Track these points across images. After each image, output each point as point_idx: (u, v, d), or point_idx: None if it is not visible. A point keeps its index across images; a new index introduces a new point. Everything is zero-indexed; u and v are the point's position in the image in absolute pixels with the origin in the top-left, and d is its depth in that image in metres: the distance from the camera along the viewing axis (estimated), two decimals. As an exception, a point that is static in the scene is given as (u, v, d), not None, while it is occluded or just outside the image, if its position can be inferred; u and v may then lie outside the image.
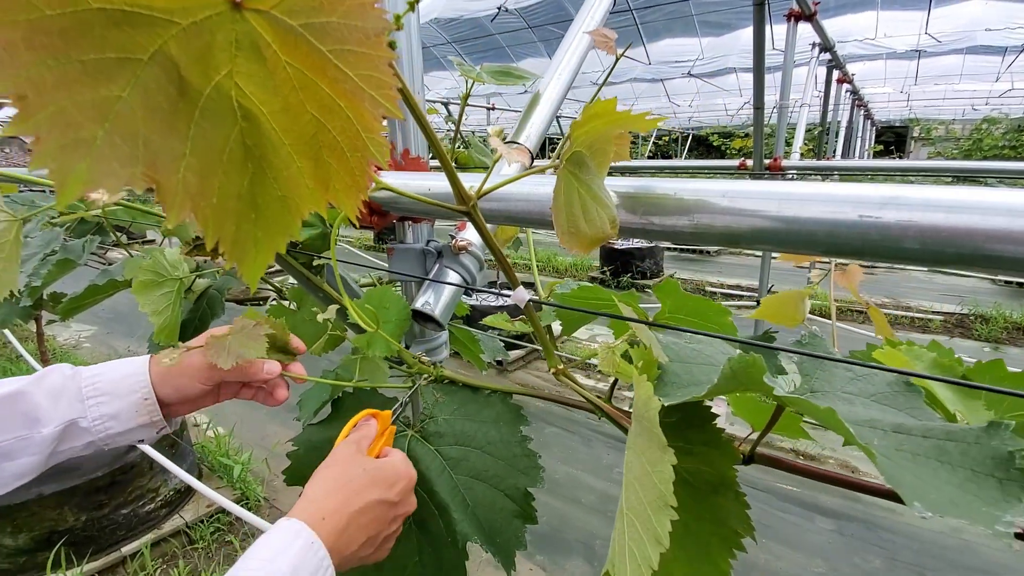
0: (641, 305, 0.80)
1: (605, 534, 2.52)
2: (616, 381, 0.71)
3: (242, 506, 2.64)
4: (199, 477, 2.88)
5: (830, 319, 0.90)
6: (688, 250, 8.55)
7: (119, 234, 1.62)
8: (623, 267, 7.01)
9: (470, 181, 0.46)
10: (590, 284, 0.78)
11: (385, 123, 0.26)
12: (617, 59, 0.92)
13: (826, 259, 0.94)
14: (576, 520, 2.61)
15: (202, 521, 2.64)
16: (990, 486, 0.31)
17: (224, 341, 0.58)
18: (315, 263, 0.78)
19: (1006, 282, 6.46)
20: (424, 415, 0.73)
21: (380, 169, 0.36)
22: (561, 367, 0.53)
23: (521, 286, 0.45)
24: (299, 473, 0.72)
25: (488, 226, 0.90)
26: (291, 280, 1.26)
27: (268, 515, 2.73)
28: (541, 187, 0.50)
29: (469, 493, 0.65)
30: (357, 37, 0.23)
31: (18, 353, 4.05)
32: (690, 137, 17.42)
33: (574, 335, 5.24)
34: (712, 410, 0.45)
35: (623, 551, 0.34)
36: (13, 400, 0.55)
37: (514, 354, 4.42)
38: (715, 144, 17.35)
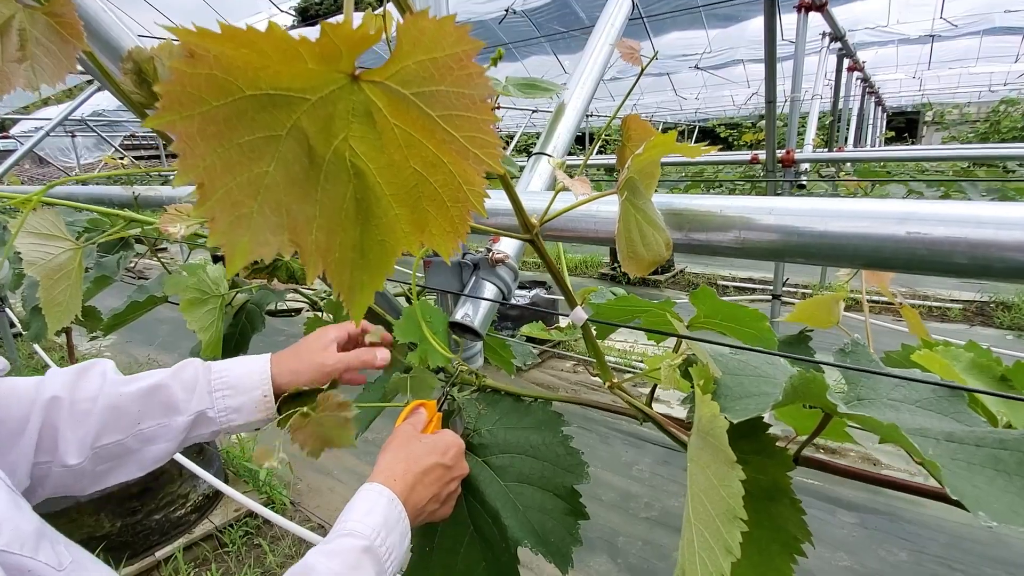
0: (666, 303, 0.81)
1: (627, 531, 2.55)
2: (655, 387, 0.73)
3: (270, 509, 2.69)
4: (225, 482, 2.94)
5: (860, 314, 0.91)
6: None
7: (144, 245, 1.66)
8: (634, 262, 6.98)
9: (528, 201, 0.48)
10: (625, 293, 0.80)
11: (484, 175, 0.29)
12: (641, 72, 0.93)
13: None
14: (598, 518, 2.63)
15: (231, 525, 2.70)
16: (1048, 494, 0.33)
17: (311, 425, 0.65)
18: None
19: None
20: (468, 429, 0.75)
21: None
22: (616, 380, 0.55)
23: (580, 306, 0.48)
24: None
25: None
26: (326, 288, 1.29)
27: (294, 518, 2.78)
28: (592, 207, 0.52)
29: (519, 497, 0.67)
30: (464, 103, 0.25)
31: (45, 363, 4.14)
32: (696, 129, 17.32)
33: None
34: (764, 419, 0.47)
35: (693, 559, 0.36)
36: (156, 391, 0.63)
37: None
38: (722, 136, 17.22)
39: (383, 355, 0.74)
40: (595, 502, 2.73)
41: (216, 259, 1.07)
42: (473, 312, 0.83)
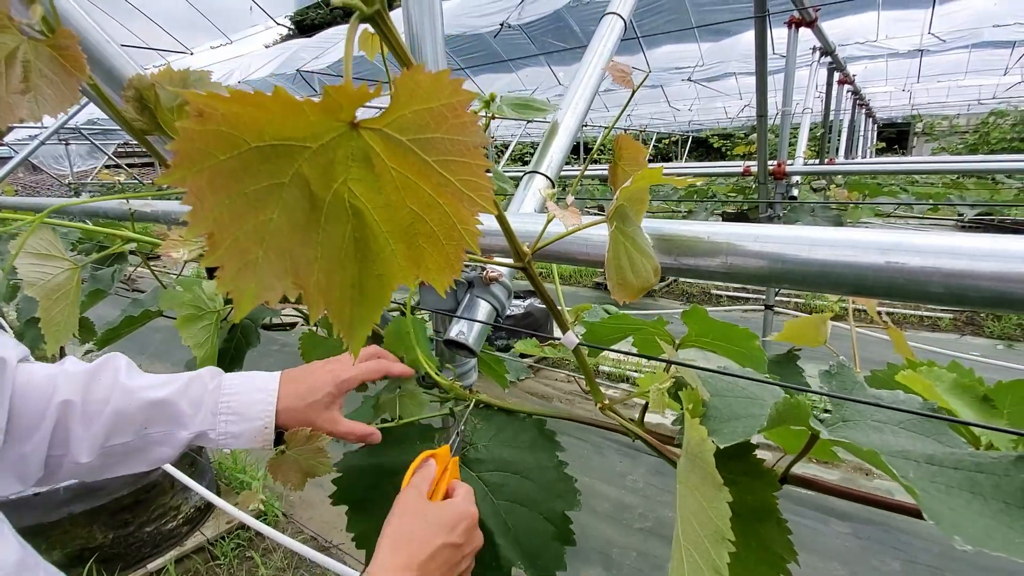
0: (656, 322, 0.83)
1: (622, 542, 2.55)
2: (647, 405, 0.74)
3: (261, 522, 2.67)
4: (218, 494, 2.92)
5: (844, 323, 0.93)
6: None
7: (137, 256, 1.67)
8: (629, 272, 7.02)
9: (520, 224, 0.50)
10: (619, 311, 0.81)
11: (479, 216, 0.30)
12: (633, 92, 0.95)
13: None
14: (592, 529, 2.63)
15: (223, 537, 2.67)
16: (1023, 517, 0.34)
17: (288, 463, 0.68)
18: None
19: (1009, 345, 6.43)
20: (464, 442, 0.76)
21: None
22: (607, 402, 0.56)
23: (571, 331, 0.49)
24: (346, 496, 0.76)
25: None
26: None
27: (287, 530, 2.76)
28: (583, 233, 0.54)
29: (510, 517, 0.68)
30: (459, 149, 0.27)
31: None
32: (690, 139, 17.48)
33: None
34: (751, 440, 0.48)
35: (683, 581, 0.37)
36: (164, 405, 0.65)
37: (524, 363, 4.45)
38: (716, 145, 17.38)
39: (401, 368, 0.75)
40: (589, 513, 2.73)
41: (211, 274, 1.07)
42: (468, 329, 0.84)
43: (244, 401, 0.67)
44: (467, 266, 0.96)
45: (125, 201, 1.34)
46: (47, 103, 0.43)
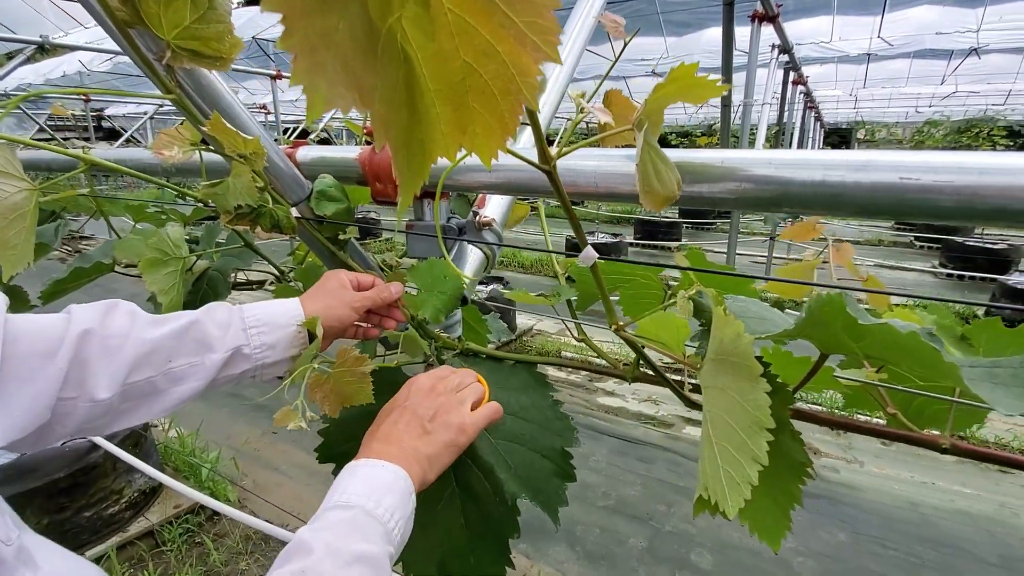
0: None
1: (585, 520, 2.58)
2: (639, 355, 0.73)
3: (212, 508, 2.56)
4: (165, 478, 2.77)
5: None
6: (650, 245, 8.77)
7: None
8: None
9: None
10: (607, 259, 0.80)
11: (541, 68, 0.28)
12: (624, 47, 0.94)
13: (824, 237, 0.99)
14: (556, 507, 2.66)
15: (171, 522, 2.54)
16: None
17: (330, 382, 0.64)
18: (340, 237, 0.78)
19: (948, 275, 6.91)
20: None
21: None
22: (621, 324, 0.55)
23: (589, 246, 0.47)
24: (332, 450, 0.72)
25: (503, 202, 0.92)
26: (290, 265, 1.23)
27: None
28: (606, 151, 0.53)
29: (509, 456, 0.66)
30: (526, -16, 0.25)
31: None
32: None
33: (543, 329, 5.29)
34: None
35: (716, 474, 0.36)
36: (189, 329, 0.61)
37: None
38: (673, 143, 17.79)
39: (397, 288, 0.74)
40: (553, 492, 2.75)
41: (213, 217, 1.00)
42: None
43: (270, 312, 0.65)
44: (454, 215, 0.94)
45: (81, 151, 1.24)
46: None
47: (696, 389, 0.65)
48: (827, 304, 0.39)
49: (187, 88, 0.63)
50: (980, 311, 5.24)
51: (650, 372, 0.62)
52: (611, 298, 0.93)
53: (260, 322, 0.64)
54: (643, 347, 0.57)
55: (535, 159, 0.48)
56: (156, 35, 0.55)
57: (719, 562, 2.33)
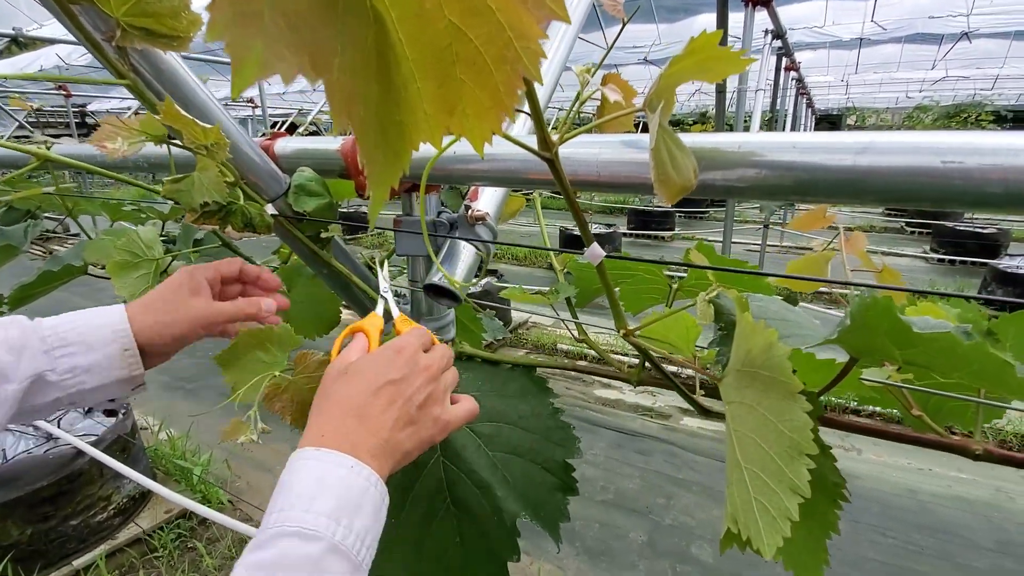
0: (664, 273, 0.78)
1: (584, 514, 2.55)
2: (648, 359, 0.68)
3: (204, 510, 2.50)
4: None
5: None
6: (644, 235, 8.73)
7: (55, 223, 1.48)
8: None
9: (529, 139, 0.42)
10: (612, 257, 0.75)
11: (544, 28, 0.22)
12: (619, 33, 0.89)
13: (834, 226, 0.95)
14: (555, 503, 2.62)
15: (161, 528, 2.49)
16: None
17: (289, 392, 0.59)
18: (323, 235, 0.72)
19: (939, 260, 6.92)
20: (453, 393, 0.69)
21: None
22: (630, 328, 0.50)
23: (595, 243, 0.42)
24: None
25: (496, 195, 0.87)
26: (275, 264, 1.17)
27: (234, 517, 2.60)
28: (613, 136, 0.47)
29: (507, 469, 0.61)
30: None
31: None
32: (641, 125, 17.72)
33: (538, 321, 5.24)
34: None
35: (748, 506, 0.31)
36: None
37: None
38: (665, 132, 17.68)
39: (269, 305, 0.61)
40: (550, 488, 2.72)
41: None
42: (451, 274, 0.76)
43: (81, 329, 0.54)
44: (444, 209, 0.88)
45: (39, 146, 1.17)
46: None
47: (708, 393, 0.60)
48: (872, 307, 0.34)
49: (144, 73, 0.56)
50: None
51: (658, 376, 0.57)
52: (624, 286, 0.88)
53: (66, 341, 0.53)
54: (648, 350, 0.51)
55: (533, 145, 0.42)
56: (103, 11, 0.48)
57: (720, 555, 2.31)
